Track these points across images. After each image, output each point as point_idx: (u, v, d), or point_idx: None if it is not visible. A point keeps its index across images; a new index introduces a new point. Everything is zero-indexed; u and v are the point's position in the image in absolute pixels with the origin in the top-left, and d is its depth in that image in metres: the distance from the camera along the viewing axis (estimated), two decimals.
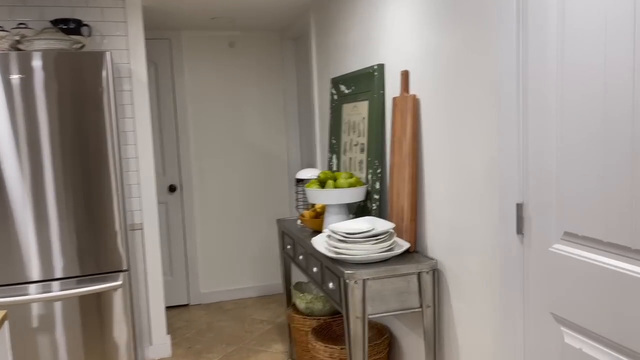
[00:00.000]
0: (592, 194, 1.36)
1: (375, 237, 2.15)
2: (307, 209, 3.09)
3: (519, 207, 1.63)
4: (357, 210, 2.76)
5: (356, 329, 2.06)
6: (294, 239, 2.81)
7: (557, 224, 1.50)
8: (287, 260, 3.21)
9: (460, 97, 1.94)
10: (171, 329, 3.95)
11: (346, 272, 2.04)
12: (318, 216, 2.77)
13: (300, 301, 2.95)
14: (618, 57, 1.26)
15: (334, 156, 3.12)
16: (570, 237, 1.46)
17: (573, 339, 1.47)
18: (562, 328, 1.51)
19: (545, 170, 1.52)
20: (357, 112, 2.80)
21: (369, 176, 2.61)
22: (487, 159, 1.80)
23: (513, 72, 1.61)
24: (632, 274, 1.26)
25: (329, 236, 2.28)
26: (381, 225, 2.25)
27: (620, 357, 1.32)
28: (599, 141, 1.32)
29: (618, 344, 1.31)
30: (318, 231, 2.76)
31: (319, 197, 2.48)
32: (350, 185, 2.48)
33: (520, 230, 1.64)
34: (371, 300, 2.07)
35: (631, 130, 1.24)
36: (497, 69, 1.71)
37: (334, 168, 3.12)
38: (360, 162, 2.76)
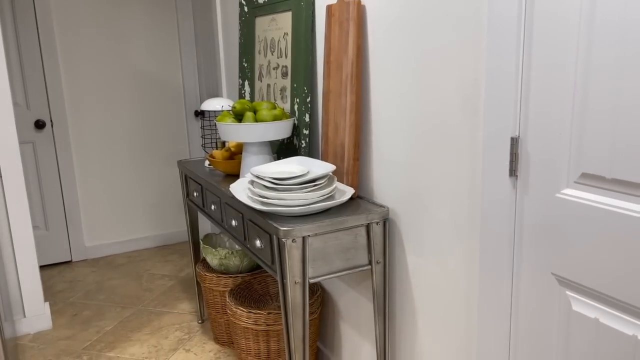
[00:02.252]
0: (636, 122, 1.01)
1: (312, 182, 1.71)
2: (217, 147, 2.56)
3: (514, 142, 1.27)
4: (280, 149, 2.29)
5: (295, 296, 1.66)
6: (203, 185, 2.30)
7: (572, 162, 1.15)
8: (193, 209, 2.70)
9: None
10: (51, 294, 3.31)
11: (282, 228, 1.60)
12: (232, 157, 2.27)
13: (213, 257, 2.49)
14: None
15: (247, 83, 2.58)
16: (591, 179, 1.12)
17: (585, 307, 1.17)
18: (569, 292, 1.21)
19: (556, 91, 1.15)
20: (277, 27, 2.26)
21: (296, 107, 2.14)
22: (467, 80, 1.41)
23: None
24: None
25: (252, 182, 1.81)
26: (318, 167, 1.81)
27: None
28: None
29: None
30: (233, 175, 2.27)
31: (236, 133, 1.98)
32: (276, 118, 2.00)
33: (513, 171, 1.29)
34: (312, 261, 1.66)
35: None
36: None
37: (247, 97, 2.60)
38: (283, 89, 2.26)
